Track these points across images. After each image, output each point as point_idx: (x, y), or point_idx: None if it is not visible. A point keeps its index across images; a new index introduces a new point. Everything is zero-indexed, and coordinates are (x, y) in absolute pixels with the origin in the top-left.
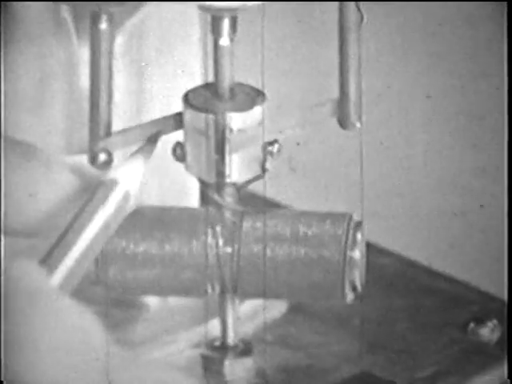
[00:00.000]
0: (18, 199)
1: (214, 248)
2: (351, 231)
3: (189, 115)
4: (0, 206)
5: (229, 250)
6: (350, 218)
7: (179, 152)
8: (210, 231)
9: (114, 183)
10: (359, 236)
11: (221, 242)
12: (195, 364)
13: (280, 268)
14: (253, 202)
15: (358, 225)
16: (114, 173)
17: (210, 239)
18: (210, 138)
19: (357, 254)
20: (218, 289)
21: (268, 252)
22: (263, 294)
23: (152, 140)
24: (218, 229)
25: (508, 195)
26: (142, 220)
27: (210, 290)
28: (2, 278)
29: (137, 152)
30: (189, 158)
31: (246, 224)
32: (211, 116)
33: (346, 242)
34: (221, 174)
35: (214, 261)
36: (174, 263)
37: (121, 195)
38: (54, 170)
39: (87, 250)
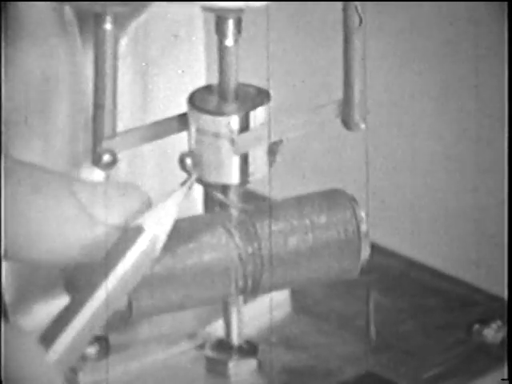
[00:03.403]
0: (18, 224)
1: (234, 250)
2: (355, 208)
3: (194, 117)
4: (0, 231)
5: (250, 249)
6: (349, 196)
7: (189, 162)
8: (226, 234)
9: (139, 230)
10: (361, 212)
11: (240, 243)
12: (199, 365)
13: (300, 257)
14: (254, 201)
15: (354, 199)
16: (142, 219)
17: (229, 242)
18: (216, 139)
19: (365, 227)
20: (241, 290)
21: (288, 244)
22: (286, 286)
23: (185, 184)
24: (234, 230)
25: (508, 195)
26: None
27: (234, 293)
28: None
29: (168, 196)
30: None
31: (259, 221)
32: (216, 117)
33: (356, 220)
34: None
35: (238, 263)
36: (200, 274)
37: (146, 244)
38: (57, 192)
39: (96, 315)
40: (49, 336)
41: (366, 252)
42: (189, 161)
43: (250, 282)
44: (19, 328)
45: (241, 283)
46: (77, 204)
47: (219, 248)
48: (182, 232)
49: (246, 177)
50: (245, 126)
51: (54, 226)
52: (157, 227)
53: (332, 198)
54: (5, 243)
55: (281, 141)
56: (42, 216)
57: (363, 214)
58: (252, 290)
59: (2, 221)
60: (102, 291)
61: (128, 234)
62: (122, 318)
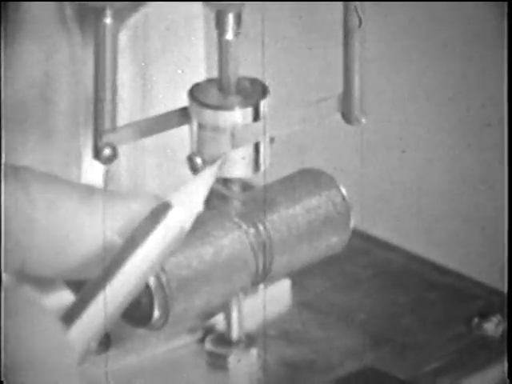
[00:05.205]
0: (34, 239)
1: (246, 242)
2: (336, 183)
3: (195, 111)
4: (0, 240)
5: (259, 239)
6: (325, 174)
7: (198, 162)
8: (237, 228)
9: (167, 207)
10: (341, 187)
11: (251, 235)
12: (199, 359)
13: (302, 240)
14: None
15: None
16: (170, 196)
17: (240, 236)
18: (218, 133)
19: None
20: (253, 280)
21: (291, 230)
22: (290, 270)
23: (214, 163)
24: (242, 223)
25: (508, 189)
26: None
27: (249, 284)
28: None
29: (199, 174)
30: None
31: (261, 211)
32: (216, 111)
33: (340, 193)
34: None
35: (251, 255)
36: (223, 271)
37: (173, 221)
38: (75, 207)
39: (119, 294)
40: (70, 315)
41: (352, 220)
42: (198, 160)
43: (260, 271)
44: (41, 306)
45: (254, 273)
46: (95, 219)
47: (234, 242)
48: (195, 231)
49: (257, 168)
50: (245, 120)
51: (71, 242)
52: (185, 205)
53: (314, 179)
54: (20, 258)
55: (272, 139)
56: (58, 232)
57: (341, 186)
58: (261, 279)
59: (2, 228)
60: (127, 269)
61: (156, 212)
62: (154, 327)
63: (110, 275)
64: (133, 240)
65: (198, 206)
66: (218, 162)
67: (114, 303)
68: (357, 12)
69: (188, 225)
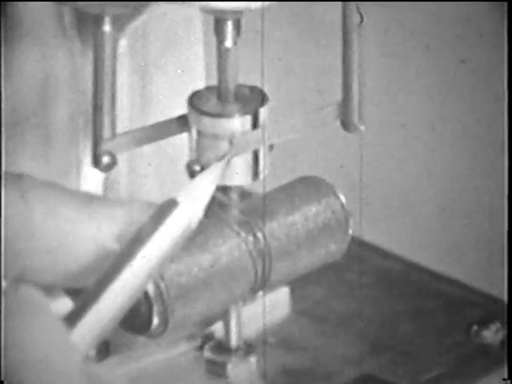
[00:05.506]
0: (33, 246)
1: (245, 250)
2: (335, 191)
3: (194, 119)
4: (0, 247)
5: (258, 247)
6: (324, 181)
7: (197, 169)
8: (235, 235)
9: (173, 205)
10: (340, 195)
11: (249, 242)
12: (198, 367)
13: (301, 248)
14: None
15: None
16: (177, 193)
17: (239, 243)
18: (217, 141)
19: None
20: (252, 289)
21: (290, 238)
22: (289, 278)
23: (221, 159)
24: (240, 230)
25: (508, 196)
26: None
27: (248, 292)
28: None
29: (205, 172)
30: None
31: (259, 219)
32: (216, 119)
33: (339, 200)
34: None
35: (250, 262)
36: (222, 278)
37: (179, 218)
38: (73, 215)
39: (123, 295)
40: (73, 316)
41: (351, 228)
42: (197, 168)
43: (259, 279)
44: (44, 306)
45: (253, 281)
46: (93, 227)
47: (233, 250)
48: (194, 238)
49: (257, 175)
50: (244, 128)
51: (70, 249)
52: (192, 201)
53: (313, 187)
54: (19, 265)
55: (271, 146)
56: (57, 239)
57: (340, 194)
58: (260, 287)
59: (2, 235)
60: (133, 266)
61: (162, 208)
62: (154, 335)
63: (116, 273)
64: (139, 237)
65: (204, 203)
66: (225, 160)
67: (119, 302)
68: (358, 10)
69: (195, 222)
